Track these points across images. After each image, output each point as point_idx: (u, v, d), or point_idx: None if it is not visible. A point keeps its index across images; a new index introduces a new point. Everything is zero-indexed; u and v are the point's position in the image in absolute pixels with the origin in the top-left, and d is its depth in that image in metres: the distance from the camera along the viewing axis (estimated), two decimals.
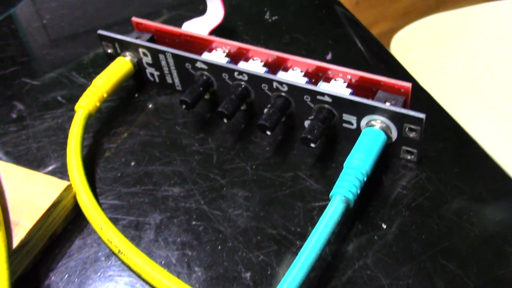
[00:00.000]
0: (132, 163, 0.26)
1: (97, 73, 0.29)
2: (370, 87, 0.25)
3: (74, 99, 0.28)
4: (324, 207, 0.21)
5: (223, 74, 0.27)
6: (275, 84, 0.25)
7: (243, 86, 0.26)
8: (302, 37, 0.34)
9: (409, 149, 0.24)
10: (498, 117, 0.47)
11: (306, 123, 0.26)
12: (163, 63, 0.28)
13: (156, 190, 0.25)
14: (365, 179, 0.22)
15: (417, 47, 0.57)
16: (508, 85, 0.50)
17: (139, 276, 0.22)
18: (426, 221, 0.23)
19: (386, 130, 0.24)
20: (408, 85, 0.24)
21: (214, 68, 0.27)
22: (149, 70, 0.30)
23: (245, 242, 0.23)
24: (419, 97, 0.28)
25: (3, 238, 0.21)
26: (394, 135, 0.24)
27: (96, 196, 0.25)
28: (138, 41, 0.28)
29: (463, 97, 0.50)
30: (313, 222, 0.23)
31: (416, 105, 0.25)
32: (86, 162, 0.26)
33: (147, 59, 0.29)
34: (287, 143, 0.27)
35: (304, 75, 0.26)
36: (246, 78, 0.26)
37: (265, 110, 0.25)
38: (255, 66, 0.27)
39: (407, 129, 0.23)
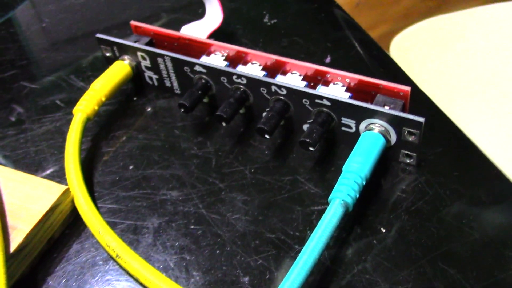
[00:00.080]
0: (131, 167, 0.26)
1: (95, 76, 0.29)
2: (369, 91, 0.25)
3: (73, 102, 0.28)
4: (323, 211, 0.21)
5: (222, 78, 0.26)
6: (273, 87, 0.25)
7: (241, 89, 0.26)
8: (301, 41, 0.33)
9: (408, 152, 0.24)
10: (498, 120, 0.47)
11: (305, 126, 0.26)
12: (162, 66, 0.28)
13: (155, 194, 0.25)
14: (364, 183, 0.22)
15: (417, 49, 0.57)
16: (508, 88, 0.50)
17: (137, 281, 0.22)
18: (426, 225, 0.23)
19: (385, 133, 0.24)
20: (407, 88, 0.24)
21: (212, 71, 0.27)
22: (148, 73, 0.30)
23: (244, 246, 0.22)
24: (418, 100, 0.28)
25: (1, 242, 0.21)
26: (393, 138, 0.24)
27: (94, 200, 0.25)
28: (136, 45, 0.28)
29: (462, 100, 0.49)
30: (312, 226, 0.23)
31: (415, 108, 0.24)
32: (84, 166, 0.26)
33: (146, 63, 0.29)
34: (286, 147, 0.27)
35: (303, 79, 0.26)
36: (244, 81, 0.26)
37: (264, 114, 0.25)
38: (253, 69, 0.27)
39: (406, 132, 0.23)
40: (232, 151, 0.27)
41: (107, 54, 0.30)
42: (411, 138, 0.23)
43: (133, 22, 0.30)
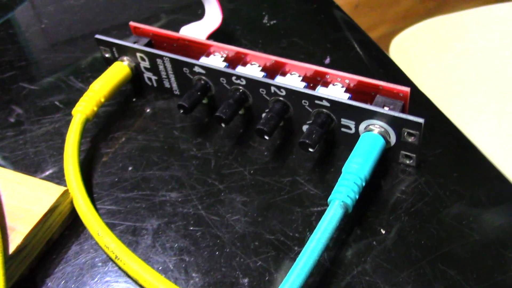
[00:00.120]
0: (130, 168, 0.26)
1: (94, 77, 0.29)
2: (369, 92, 0.25)
3: (72, 103, 0.28)
4: (323, 212, 0.21)
5: (221, 79, 0.26)
6: (273, 88, 0.25)
7: (241, 90, 0.26)
8: (301, 41, 0.33)
9: (408, 153, 0.24)
10: (498, 121, 0.47)
11: (305, 127, 0.26)
12: (161, 67, 0.28)
13: (154, 195, 0.25)
14: (363, 184, 0.22)
15: (416, 50, 0.57)
16: (507, 89, 0.50)
17: (136, 282, 0.22)
18: (425, 226, 0.23)
19: (384, 134, 0.24)
20: (406, 89, 0.24)
21: (212, 72, 0.27)
22: (147, 74, 0.30)
23: (243, 247, 0.22)
24: (418, 101, 0.28)
25: (0, 244, 0.21)
26: (393, 139, 0.24)
27: (93, 201, 0.25)
28: (135, 46, 0.28)
29: (462, 101, 0.49)
30: (311, 228, 0.23)
31: (415, 109, 0.24)
32: (83, 167, 0.26)
33: (145, 64, 0.29)
34: (285, 148, 0.27)
35: (302, 80, 0.26)
36: (244, 82, 0.26)
37: (263, 115, 0.25)
38: (253, 70, 0.27)
39: (405, 133, 0.23)
40: (232, 152, 0.26)
41: (106, 55, 0.30)
42: (410, 139, 0.23)
43: (132, 23, 0.30)
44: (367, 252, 0.22)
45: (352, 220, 0.23)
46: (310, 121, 0.25)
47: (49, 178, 0.26)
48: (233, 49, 0.28)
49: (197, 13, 0.36)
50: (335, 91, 0.25)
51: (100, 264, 0.23)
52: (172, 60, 0.28)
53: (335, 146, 0.26)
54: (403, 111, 0.24)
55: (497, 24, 0.58)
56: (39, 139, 0.28)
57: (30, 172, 0.26)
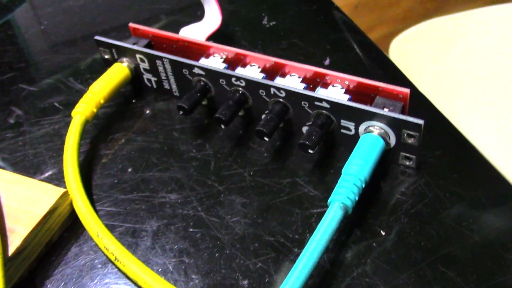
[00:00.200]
0: (129, 170, 0.26)
1: (94, 79, 0.29)
2: (368, 93, 0.25)
3: (71, 105, 0.28)
4: (323, 213, 0.21)
5: (221, 80, 0.26)
6: (272, 90, 0.25)
7: (240, 92, 0.26)
8: (300, 43, 0.33)
9: (408, 155, 0.24)
10: (497, 122, 0.47)
11: (304, 129, 0.26)
12: (161, 69, 0.28)
13: (153, 196, 0.25)
14: (363, 185, 0.22)
15: (416, 51, 0.57)
16: (507, 90, 0.50)
17: (135, 284, 0.22)
18: (425, 227, 0.23)
19: (384, 136, 0.24)
20: (406, 90, 0.24)
21: (211, 74, 0.27)
22: (147, 76, 0.29)
23: (243, 249, 0.22)
24: (418, 102, 0.27)
25: None
26: (393, 141, 0.24)
27: (92, 203, 0.25)
28: (135, 47, 0.28)
29: (462, 102, 0.49)
30: (311, 229, 0.23)
31: (414, 110, 0.24)
32: (82, 169, 0.26)
33: (144, 65, 0.29)
34: (285, 149, 0.26)
35: (302, 81, 0.26)
36: (243, 84, 0.26)
37: (263, 116, 0.25)
38: (252, 72, 0.27)
39: (405, 135, 0.23)
40: (231, 153, 0.26)
41: (106, 57, 0.30)
42: (410, 141, 0.23)
43: (131, 24, 0.30)
44: (367, 254, 0.22)
45: (352, 221, 0.23)
46: (310, 123, 0.25)
47: (48, 180, 0.26)
48: (232, 50, 0.28)
49: (197, 14, 0.36)
50: (335, 92, 0.25)
51: (99, 266, 0.23)
52: (171, 62, 0.27)
53: (334, 148, 0.26)
54: (402, 112, 0.24)
55: (496, 25, 0.58)
56: (38, 140, 0.28)
57: (30, 174, 0.26)
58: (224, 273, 0.22)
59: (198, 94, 0.27)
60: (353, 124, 0.24)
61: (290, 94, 0.25)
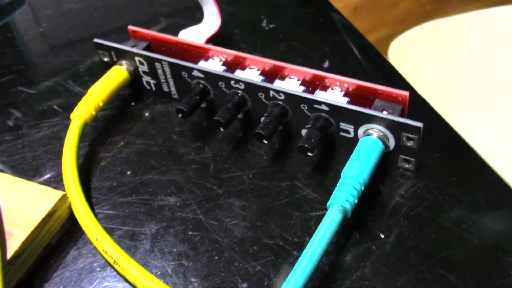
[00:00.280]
0: (128, 172, 0.26)
1: (93, 81, 0.29)
2: (367, 96, 0.25)
3: (70, 107, 0.28)
4: (322, 216, 0.21)
5: (220, 83, 0.26)
6: (271, 92, 0.25)
7: (239, 94, 0.26)
8: (299, 45, 0.33)
9: (407, 158, 0.24)
10: (497, 125, 0.47)
11: (303, 131, 0.26)
12: (160, 71, 0.28)
13: (152, 199, 0.25)
14: (362, 188, 0.22)
15: (415, 53, 0.57)
16: (506, 92, 0.50)
17: (134, 287, 0.22)
18: (425, 230, 0.22)
19: (383, 139, 0.24)
20: (405, 93, 0.24)
21: (210, 76, 0.27)
22: (146, 78, 0.29)
23: (242, 252, 0.22)
24: (417, 105, 0.28)
25: None
26: (392, 144, 0.24)
27: (91, 205, 0.25)
28: (134, 50, 0.28)
29: (461, 105, 0.49)
30: (310, 232, 0.23)
31: (413, 113, 0.24)
32: (81, 172, 0.26)
33: (144, 68, 0.29)
34: (284, 152, 0.26)
35: (301, 84, 0.26)
36: (242, 86, 0.26)
37: (262, 119, 0.25)
38: (251, 74, 0.27)
39: (404, 138, 0.23)
40: (230, 156, 0.26)
41: (105, 59, 0.30)
42: (409, 143, 0.23)
43: (130, 27, 0.30)
44: (366, 257, 0.22)
45: (351, 224, 0.23)
46: (309, 125, 0.25)
47: (47, 183, 0.26)
48: (231, 53, 0.28)
49: (196, 17, 0.36)
50: (334, 95, 0.25)
51: (98, 269, 0.22)
52: (170, 64, 0.27)
53: (334, 150, 0.26)
54: (402, 115, 0.24)
55: (495, 27, 0.58)
56: (37, 143, 0.28)
57: (28, 177, 0.26)
58: (223, 276, 0.22)
59: (197, 97, 0.27)
60: (352, 127, 0.24)
61: (289, 97, 0.25)
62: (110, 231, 0.24)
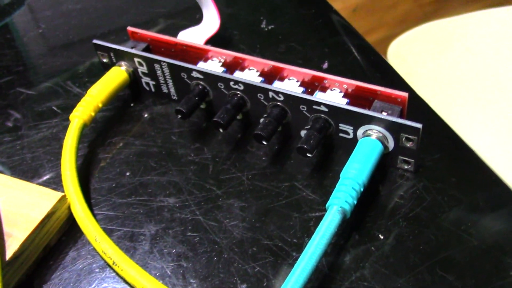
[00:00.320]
0: (127, 174, 0.26)
1: (92, 82, 0.29)
2: (367, 97, 0.25)
3: (69, 108, 0.28)
4: (321, 217, 0.21)
5: (219, 84, 0.26)
6: (271, 93, 0.25)
7: (239, 95, 0.26)
8: (298, 46, 0.33)
9: (406, 158, 0.24)
10: (496, 126, 0.47)
11: (303, 132, 0.26)
12: (159, 72, 0.28)
13: (151, 200, 0.25)
14: (361, 189, 0.22)
15: (414, 54, 0.57)
16: (506, 93, 0.50)
17: None
18: (424, 231, 0.22)
19: (382, 140, 0.24)
20: (404, 94, 0.24)
21: (209, 77, 0.27)
22: (145, 79, 0.29)
23: (241, 253, 0.22)
24: (416, 106, 0.27)
25: None
26: (391, 144, 0.24)
27: (90, 207, 0.25)
28: (133, 51, 0.28)
29: (460, 105, 0.49)
30: (309, 233, 0.23)
31: (413, 114, 0.24)
32: (80, 173, 0.26)
33: (143, 69, 0.29)
34: (284, 153, 0.26)
35: (300, 85, 0.26)
36: (242, 87, 0.26)
37: (261, 120, 0.25)
38: (251, 75, 0.27)
39: (404, 139, 0.23)
40: (230, 157, 0.26)
41: (104, 60, 0.30)
42: (409, 144, 0.23)
43: (130, 28, 0.30)
44: (366, 258, 0.22)
45: (350, 225, 0.23)
46: (308, 126, 0.25)
47: (46, 184, 0.26)
48: (231, 54, 0.28)
49: (195, 18, 0.36)
50: (333, 96, 0.25)
51: (97, 270, 0.22)
52: (170, 65, 0.27)
53: (333, 151, 0.26)
54: (401, 116, 0.24)
55: (495, 28, 0.58)
56: (36, 144, 0.28)
57: (27, 178, 0.26)
58: (222, 277, 0.22)
59: (197, 98, 0.27)
60: (352, 128, 0.24)
61: (289, 98, 0.25)
62: (109, 232, 0.24)
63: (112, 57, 0.29)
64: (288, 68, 0.26)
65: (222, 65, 0.28)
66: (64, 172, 0.25)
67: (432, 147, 0.26)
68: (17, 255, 0.21)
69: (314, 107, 0.24)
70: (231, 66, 0.28)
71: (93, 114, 0.27)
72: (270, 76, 0.27)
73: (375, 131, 0.24)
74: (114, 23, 0.38)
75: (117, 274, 0.22)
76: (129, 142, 0.28)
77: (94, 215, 0.24)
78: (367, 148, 0.23)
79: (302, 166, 0.26)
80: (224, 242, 0.23)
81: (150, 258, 0.23)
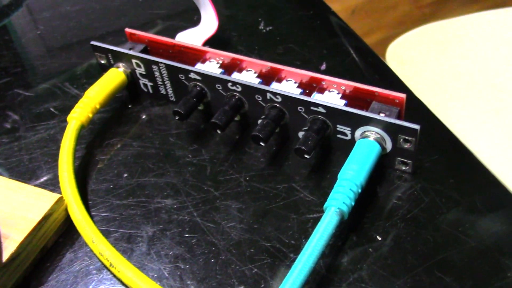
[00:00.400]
0: (125, 175, 0.26)
1: (90, 84, 0.29)
2: (365, 98, 0.25)
3: (67, 110, 0.28)
4: (319, 219, 0.21)
5: (217, 85, 0.26)
6: (268, 95, 0.25)
7: (236, 97, 0.26)
8: (297, 48, 0.33)
9: (404, 160, 0.24)
10: (494, 127, 0.47)
11: (300, 134, 0.26)
12: (157, 74, 0.28)
13: (149, 202, 0.25)
14: (359, 190, 0.22)
15: (412, 55, 0.57)
16: (504, 95, 0.50)
17: None
18: (422, 233, 0.22)
19: (380, 141, 0.23)
20: (402, 95, 0.24)
21: (207, 79, 0.26)
22: (143, 81, 0.29)
23: (239, 254, 0.22)
24: (414, 107, 0.27)
25: None
26: (389, 146, 0.24)
27: (88, 208, 0.25)
28: (131, 52, 0.28)
29: (458, 107, 0.50)
30: (307, 235, 0.23)
31: (411, 115, 0.24)
32: (78, 174, 0.26)
33: (141, 70, 0.29)
34: (281, 154, 0.26)
35: (298, 86, 0.26)
36: (240, 89, 0.26)
37: (259, 121, 0.25)
38: (249, 77, 0.27)
39: (401, 140, 0.23)
40: (227, 158, 0.26)
41: (102, 62, 0.30)
42: (406, 146, 0.23)
43: (128, 29, 0.30)
44: (363, 259, 0.22)
45: (348, 226, 0.23)
46: (306, 128, 0.25)
47: (43, 185, 0.26)
48: (229, 55, 0.28)
49: (193, 19, 0.36)
50: (331, 97, 0.25)
51: (94, 271, 0.22)
52: (167, 67, 0.27)
53: (331, 153, 0.26)
54: (399, 117, 0.24)
55: (493, 30, 0.58)
56: (34, 145, 0.28)
57: (25, 179, 0.26)
58: (219, 279, 0.22)
59: (194, 99, 0.27)
60: (349, 129, 0.24)
61: (286, 99, 0.25)
62: (106, 234, 0.23)
63: (110, 59, 0.29)
64: (286, 69, 0.26)
65: (220, 67, 0.28)
66: (62, 173, 0.24)
67: (430, 149, 0.26)
68: (14, 257, 0.21)
69: (312, 108, 0.24)
70: (229, 67, 0.28)
71: (90, 115, 0.27)
72: (268, 77, 0.27)
73: (373, 132, 0.24)
74: (112, 25, 0.38)
75: (114, 276, 0.22)
76: (126, 144, 0.28)
77: (92, 217, 0.24)
78: (365, 149, 0.23)
79: (300, 167, 0.26)
80: (221, 244, 0.23)
81: (148, 260, 0.23)
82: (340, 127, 0.24)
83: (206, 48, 0.28)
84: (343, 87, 0.25)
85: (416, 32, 0.59)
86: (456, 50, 0.56)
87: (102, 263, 0.22)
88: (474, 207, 0.23)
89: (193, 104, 0.27)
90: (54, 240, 0.24)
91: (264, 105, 0.26)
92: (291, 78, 0.27)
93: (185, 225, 0.24)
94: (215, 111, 0.26)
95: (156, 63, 0.28)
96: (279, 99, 0.25)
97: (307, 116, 0.25)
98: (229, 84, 0.26)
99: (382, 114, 0.24)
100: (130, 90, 0.30)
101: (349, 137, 0.25)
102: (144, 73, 0.29)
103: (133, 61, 0.28)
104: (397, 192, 0.24)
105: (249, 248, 0.23)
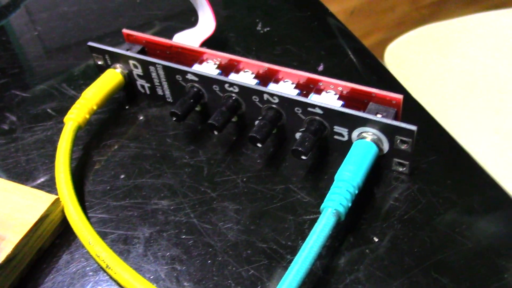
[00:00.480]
0: (122, 176, 0.26)
1: (87, 84, 0.28)
2: (362, 99, 0.25)
3: (64, 111, 0.28)
4: (316, 220, 0.21)
5: (214, 86, 0.26)
6: (266, 96, 0.25)
7: (234, 98, 0.26)
8: (294, 49, 0.33)
9: (401, 161, 0.24)
10: (491, 128, 0.47)
11: (297, 135, 0.26)
12: (154, 75, 0.28)
13: (146, 203, 0.25)
14: (356, 191, 0.22)
15: (411, 57, 0.57)
16: (502, 96, 0.50)
17: None
18: (418, 234, 0.22)
19: (377, 142, 0.23)
20: (399, 97, 0.24)
21: (205, 80, 0.26)
22: (140, 82, 0.29)
23: (235, 256, 0.22)
24: (411, 108, 0.27)
25: None
26: (386, 147, 0.24)
27: (84, 209, 0.25)
28: (128, 53, 0.28)
29: (455, 108, 0.50)
30: (304, 236, 0.23)
31: (408, 117, 0.24)
32: (75, 175, 0.26)
33: (138, 71, 0.29)
34: (278, 155, 0.26)
35: (295, 87, 0.26)
36: (237, 90, 0.26)
37: (256, 122, 0.25)
38: (246, 78, 0.27)
39: (398, 141, 0.23)
40: (224, 159, 0.26)
41: (99, 62, 0.30)
42: (403, 147, 0.23)
43: (125, 30, 0.30)
44: (360, 260, 0.22)
45: (345, 228, 0.23)
46: (303, 129, 0.25)
47: (40, 187, 0.26)
48: (226, 56, 0.28)
49: (191, 20, 0.36)
50: (328, 98, 0.25)
51: (91, 273, 0.22)
52: (165, 68, 0.27)
53: (328, 154, 0.26)
54: (396, 118, 0.24)
55: (492, 31, 0.58)
56: (31, 147, 0.28)
57: (22, 180, 0.26)
58: (216, 280, 0.22)
59: (192, 100, 0.27)
60: (346, 130, 0.24)
61: (283, 100, 0.25)
62: (103, 235, 0.23)
63: (107, 60, 0.29)
64: (283, 70, 0.26)
65: (217, 67, 0.28)
66: (58, 174, 0.24)
67: (427, 150, 0.26)
68: (10, 258, 0.21)
69: (309, 109, 0.24)
70: (227, 68, 0.28)
71: (87, 116, 0.27)
72: (265, 78, 0.27)
73: (369, 133, 0.23)
74: (109, 26, 0.38)
75: (111, 277, 0.22)
76: (123, 145, 0.28)
77: (88, 218, 0.24)
78: (362, 150, 0.23)
79: (297, 168, 0.26)
80: (218, 245, 0.23)
81: (144, 261, 0.22)
82: (337, 128, 0.24)
83: (204, 49, 0.28)
84: (340, 88, 0.25)
85: (415, 33, 0.59)
86: (455, 51, 0.56)
87: (99, 265, 0.22)
88: (471, 208, 0.23)
89: (190, 105, 0.27)
90: (51, 242, 0.23)
91: (261, 106, 0.26)
92: (288, 79, 0.27)
93: (182, 226, 0.24)
94: (212, 112, 0.26)
95: (154, 64, 0.28)
96: (276, 100, 0.25)
97: (304, 117, 0.25)
98: (226, 85, 0.26)
99: (379, 115, 0.24)
100: (127, 91, 0.30)
101: (346, 138, 0.25)
102: (141, 74, 0.29)
103: (130, 62, 0.28)
104: (394, 193, 0.24)
105: (246, 250, 0.22)
